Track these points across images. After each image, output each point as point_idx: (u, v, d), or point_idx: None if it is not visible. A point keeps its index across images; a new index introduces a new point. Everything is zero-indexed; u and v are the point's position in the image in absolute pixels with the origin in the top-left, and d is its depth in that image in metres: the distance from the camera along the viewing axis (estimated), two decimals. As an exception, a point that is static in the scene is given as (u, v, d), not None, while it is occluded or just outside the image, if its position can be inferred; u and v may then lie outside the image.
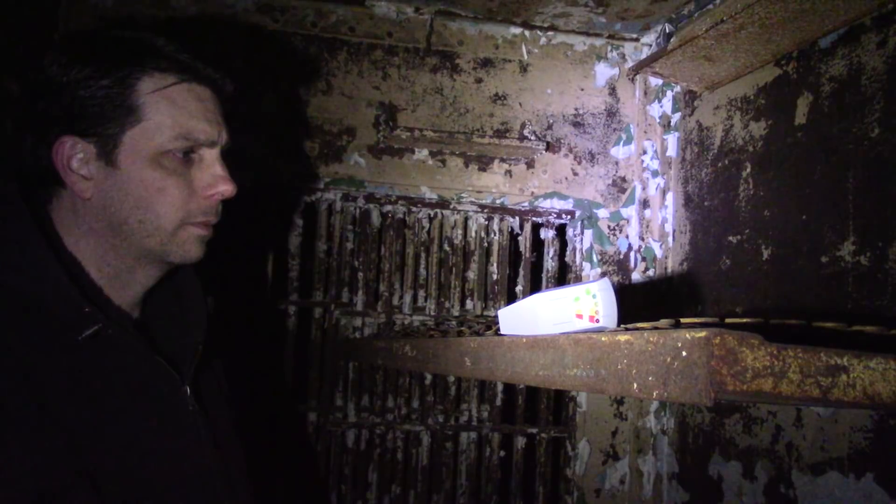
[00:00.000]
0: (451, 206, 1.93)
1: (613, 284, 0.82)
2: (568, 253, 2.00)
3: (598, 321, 0.80)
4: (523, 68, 1.97)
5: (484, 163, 1.94)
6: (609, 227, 1.99)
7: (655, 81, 1.97)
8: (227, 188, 1.00)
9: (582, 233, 1.98)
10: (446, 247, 1.94)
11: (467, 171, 1.94)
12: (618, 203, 1.99)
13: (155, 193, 0.94)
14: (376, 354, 1.47)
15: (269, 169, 1.82)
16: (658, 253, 1.95)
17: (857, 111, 1.35)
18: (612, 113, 2.01)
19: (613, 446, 1.93)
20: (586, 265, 1.97)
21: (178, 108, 0.95)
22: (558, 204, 1.97)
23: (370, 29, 1.89)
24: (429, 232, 1.95)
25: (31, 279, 0.88)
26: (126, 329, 0.96)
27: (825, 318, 0.78)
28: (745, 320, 0.71)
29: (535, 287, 2.00)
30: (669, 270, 1.92)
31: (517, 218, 1.97)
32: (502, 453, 1.93)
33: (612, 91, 2.01)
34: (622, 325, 0.81)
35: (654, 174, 1.97)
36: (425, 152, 1.92)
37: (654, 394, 0.59)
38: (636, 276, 1.97)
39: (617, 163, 2.00)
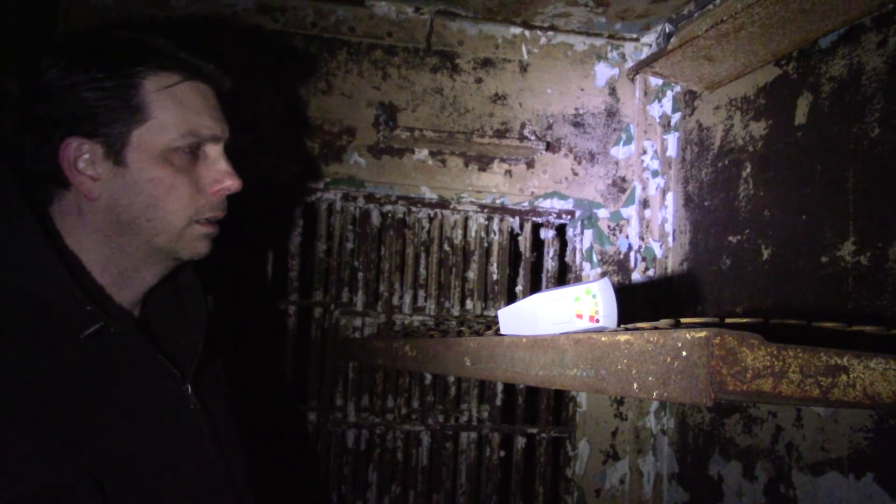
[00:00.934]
0: (451, 206, 1.93)
1: (613, 284, 0.82)
2: (568, 253, 2.00)
3: (598, 321, 0.80)
4: (523, 68, 1.97)
5: (484, 163, 1.94)
6: (609, 227, 1.99)
7: (655, 81, 1.97)
8: (233, 183, 1.01)
9: (582, 233, 1.98)
10: (446, 247, 1.94)
11: (467, 171, 1.94)
12: (618, 203, 1.99)
13: (165, 191, 0.95)
14: (376, 354, 1.47)
15: (269, 169, 1.82)
16: (658, 253, 1.95)
17: (857, 111, 1.35)
18: (612, 113, 2.01)
19: (613, 446, 1.93)
20: (586, 265, 1.97)
21: (183, 105, 0.96)
22: (558, 204, 1.97)
23: (370, 29, 1.89)
24: (429, 232, 1.95)
25: (33, 278, 0.88)
26: (128, 327, 0.97)
27: (825, 318, 0.78)
28: (745, 320, 0.71)
29: (535, 287, 2.00)
30: (669, 270, 1.92)
31: (517, 218, 1.97)
32: (502, 453, 1.93)
33: (612, 91, 2.01)
34: (622, 325, 0.81)
35: (654, 174, 1.97)
36: (425, 152, 1.92)
37: (654, 394, 0.59)
38: (636, 276, 1.97)
39: (617, 163, 2.00)
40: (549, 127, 1.97)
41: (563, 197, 1.97)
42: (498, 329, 0.95)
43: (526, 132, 1.96)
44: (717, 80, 1.71)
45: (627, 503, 1.92)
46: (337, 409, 1.86)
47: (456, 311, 1.92)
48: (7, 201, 0.92)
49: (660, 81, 1.95)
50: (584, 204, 1.98)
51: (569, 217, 1.98)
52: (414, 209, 1.93)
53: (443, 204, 1.93)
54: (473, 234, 1.95)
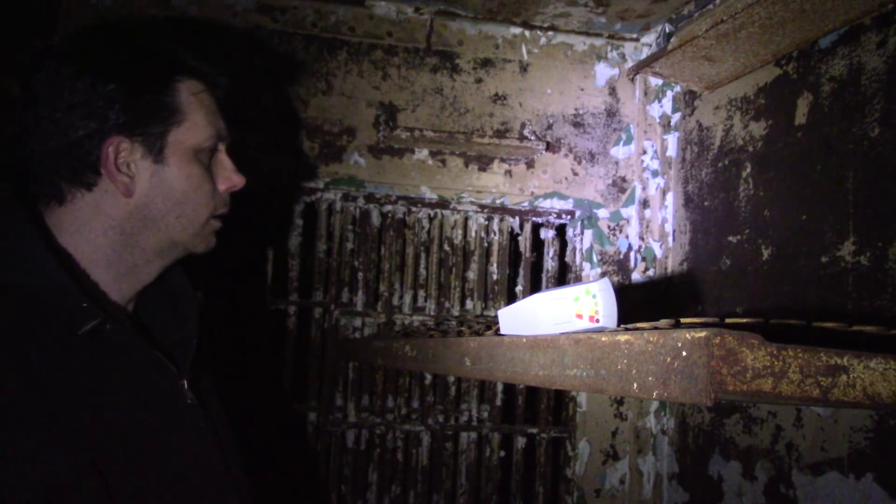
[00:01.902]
0: (451, 206, 1.93)
1: (613, 284, 0.82)
2: (568, 253, 2.00)
3: (598, 321, 0.80)
4: (523, 68, 1.97)
5: (484, 163, 1.94)
6: (609, 227, 1.99)
7: (655, 81, 1.97)
8: (240, 180, 1.09)
9: (582, 233, 1.98)
10: (446, 247, 1.94)
11: (467, 171, 1.94)
12: (618, 203, 1.99)
13: (195, 188, 1.02)
14: (376, 354, 1.47)
15: (269, 169, 1.82)
16: (658, 253, 1.95)
17: (857, 111, 1.35)
18: (612, 113, 2.01)
19: (613, 446, 1.93)
20: (586, 265, 1.97)
21: (208, 109, 1.04)
22: (558, 204, 1.97)
23: (370, 29, 1.89)
24: (429, 232, 1.95)
25: (29, 276, 0.89)
26: (124, 323, 0.98)
27: (825, 318, 0.78)
28: (745, 320, 0.71)
29: (535, 287, 2.00)
30: (669, 270, 1.92)
31: (517, 218, 1.97)
32: (502, 453, 1.93)
33: (612, 91, 2.01)
34: (622, 325, 0.81)
35: (654, 174, 1.97)
36: (425, 152, 1.92)
37: (654, 394, 0.59)
38: (636, 276, 1.97)
39: (617, 163, 2.00)
40: (549, 127, 1.97)
41: (563, 197, 1.97)
42: (498, 329, 0.95)
43: (526, 132, 1.96)
44: (717, 80, 1.71)
45: (627, 503, 1.92)
46: (337, 409, 1.86)
47: (456, 311, 1.92)
48: (2, 199, 0.93)
49: (660, 81, 1.95)
50: (584, 204, 1.98)
51: (569, 217, 1.98)
52: (414, 209, 1.93)
53: (443, 204, 1.93)
54: (473, 234, 1.95)
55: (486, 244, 1.97)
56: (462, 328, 1.31)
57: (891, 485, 1.23)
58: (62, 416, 0.86)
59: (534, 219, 1.98)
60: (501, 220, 1.97)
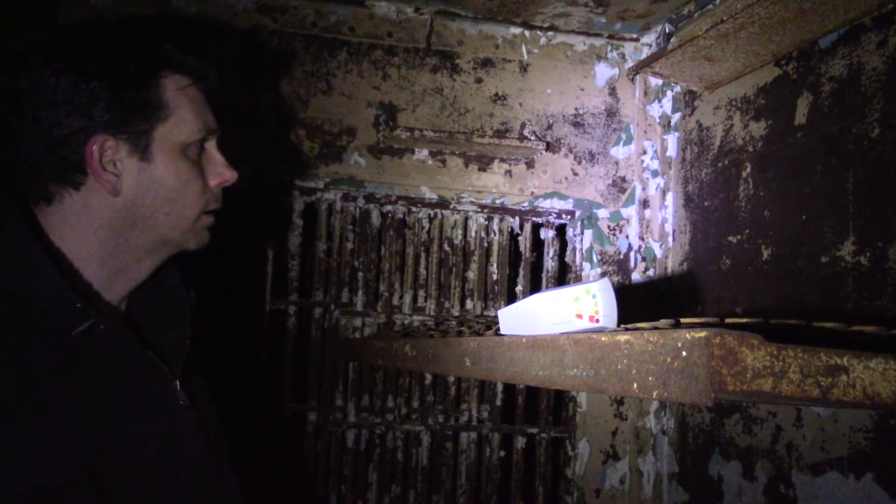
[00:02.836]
0: (451, 206, 1.93)
1: (613, 284, 0.82)
2: (568, 253, 2.00)
3: (598, 321, 0.80)
4: (523, 68, 1.97)
5: (484, 163, 1.94)
6: (609, 227, 1.99)
7: (655, 81, 1.97)
8: (232, 175, 1.07)
9: (582, 233, 1.98)
10: (446, 247, 1.94)
11: (467, 171, 1.94)
12: (618, 203, 1.99)
13: (184, 184, 1.00)
14: (376, 354, 1.47)
15: (269, 169, 1.82)
16: (658, 253, 1.95)
17: (857, 111, 1.35)
18: (612, 113, 2.01)
19: (613, 446, 1.93)
20: (586, 265, 1.97)
21: (195, 103, 1.02)
22: (558, 204, 1.97)
23: (370, 29, 1.89)
24: (429, 232, 1.95)
25: (23, 276, 0.89)
26: (117, 324, 0.97)
27: (825, 318, 0.78)
28: (745, 320, 0.71)
29: (535, 287, 2.00)
30: (669, 270, 1.92)
31: (517, 218, 1.97)
32: (502, 453, 1.93)
33: (612, 91, 2.01)
34: (622, 325, 0.81)
35: (654, 174, 1.97)
36: (425, 152, 1.92)
37: (654, 394, 0.59)
38: (636, 276, 1.97)
39: (617, 163, 2.00)
40: (549, 127, 1.97)
41: (563, 197, 1.97)
42: (498, 329, 0.95)
43: (526, 132, 1.96)
44: (717, 80, 1.71)
45: (627, 503, 1.92)
46: (337, 409, 1.86)
47: (456, 311, 1.92)
48: None
49: (660, 81, 1.95)
50: (584, 204, 1.98)
51: (569, 217, 1.98)
52: (414, 209, 1.93)
53: (443, 204, 1.93)
54: (473, 234, 1.95)
55: (486, 244, 1.97)
56: (462, 328, 1.31)
57: (891, 485, 1.23)
58: (56, 418, 0.85)
59: (534, 219, 1.98)
60: (501, 220, 1.97)
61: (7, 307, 0.88)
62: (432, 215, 1.94)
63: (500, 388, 1.93)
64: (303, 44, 1.87)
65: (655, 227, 1.96)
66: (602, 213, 1.98)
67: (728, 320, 0.70)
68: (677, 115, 1.93)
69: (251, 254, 1.86)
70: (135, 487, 0.90)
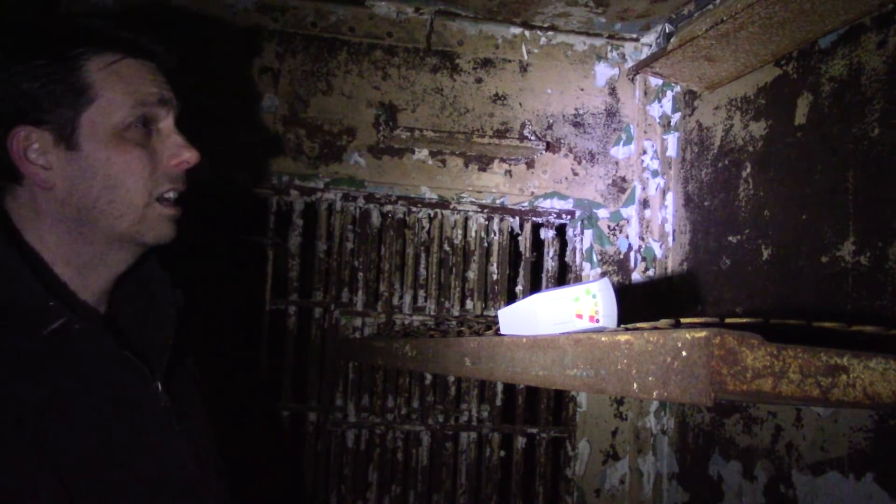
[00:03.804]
0: (451, 206, 1.93)
1: (613, 284, 0.82)
2: (568, 253, 2.00)
3: (598, 321, 0.80)
4: (523, 68, 1.97)
5: (484, 163, 1.94)
6: (609, 227, 1.99)
7: (655, 81, 1.97)
8: (190, 155, 0.99)
9: (582, 233, 1.98)
10: (446, 247, 1.94)
11: (467, 171, 1.94)
12: (618, 203, 1.99)
13: (121, 169, 0.93)
14: (376, 354, 1.47)
15: (269, 169, 1.82)
16: (658, 253, 1.95)
17: (857, 111, 1.35)
18: (612, 113, 2.01)
19: (613, 446, 1.93)
20: (586, 265, 1.97)
21: (127, 80, 0.95)
22: (558, 204, 1.97)
23: (370, 29, 1.89)
24: (429, 232, 1.95)
25: None
26: (93, 323, 0.94)
27: (825, 318, 0.78)
28: (745, 320, 0.71)
29: (535, 287, 2.00)
30: (669, 270, 1.92)
31: (517, 218, 1.97)
32: (502, 453, 1.93)
33: (612, 91, 2.01)
34: (622, 325, 0.81)
35: (654, 174, 1.97)
36: (425, 152, 1.92)
37: (654, 394, 0.59)
38: (636, 276, 1.97)
39: (617, 163, 2.00)
40: (549, 127, 1.97)
41: (563, 197, 1.97)
42: (498, 329, 0.95)
43: (526, 132, 1.95)
44: (717, 80, 1.71)
45: (627, 503, 1.92)
46: (337, 409, 1.86)
47: (456, 311, 1.92)
48: None
49: (660, 81, 1.95)
50: (584, 204, 1.98)
51: (569, 217, 1.98)
52: (414, 209, 1.93)
53: (443, 204, 1.93)
54: (473, 234, 1.95)
55: (486, 244, 1.97)
56: (462, 328, 1.31)
57: (891, 485, 1.23)
58: (22, 421, 0.82)
59: (534, 219, 1.98)
60: (501, 220, 1.97)
61: None
62: (432, 215, 1.94)
63: (500, 388, 1.93)
64: (303, 44, 1.87)
65: (655, 227, 1.96)
66: (602, 213, 1.98)
67: (728, 320, 0.70)
68: (677, 115, 1.93)
69: (251, 254, 1.86)
70: (107, 490, 0.88)
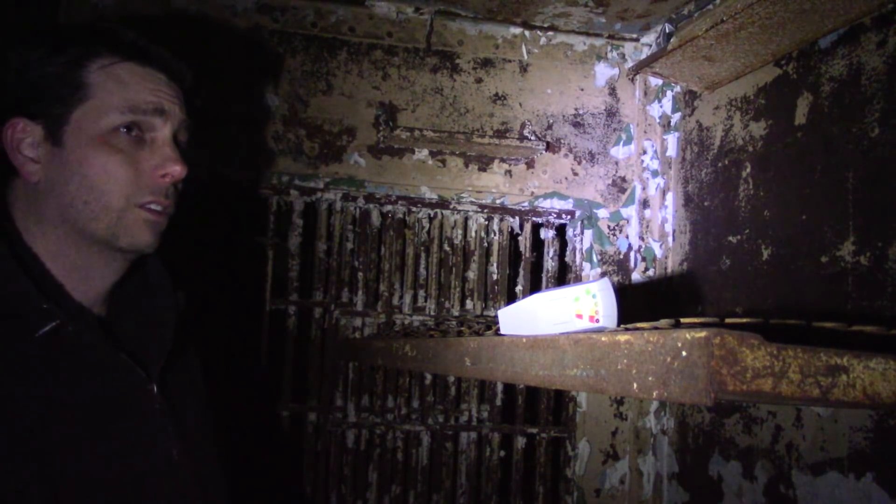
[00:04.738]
0: (451, 206, 1.93)
1: (613, 284, 0.82)
2: (568, 253, 2.00)
3: (598, 321, 0.80)
4: (523, 68, 1.97)
5: (484, 163, 1.94)
6: (609, 227, 1.99)
7: (655, 81, 1.97)
8: (176, 169, 0.96)
9: (582, 233, 1.98)
10: (446, 247, 1.94)
11: (467, 171, 1.94)
12: (618, 203, 1.99)
13: (99, 171, 0.92)
14: (376, 354, 1.47)
15: (269, 169, 1.82)
16: (658, 253, 1.95)
17: (857, 111, 1.35)
18: (612, 113, 2.01)
19: (613, 446, 1.93)
20: (586, 265, 1.97)
21: (125, 84, 0.94)
22: (558, 204, 1.97)
23: (370, 29, 1.89)
24: (429, 232, 1.95)
25: None
26: (87, 326, 0.94)
27: (825, 318, 0.78)
28: (745, 320, 0.71)
29: (535, 287, 2.00)
30: (669, 270, 1.92)
31: (517, 218, 1.97)
32: (502, 453, 1.93)
33: (612, 91, 2.01)
34: (622, 325, 0.81)
35: (654, 174, 1.97)
36: (425, 152, 1.92)
37: (654, 394, 0.59)
38: (636, 276, 1.97)
39: (617, 163, 2.00)
40: (549, 127, 1.97)
41: (563, 197, 1.97)
42: (498, 329, 0.95)
43: (526, 132, 1.95)
44: (717, 80, 1.71)
45: (627, 503, 1.92)
46: (337, 409, 1.86)
47: (456, 311, 1.92)
48: None
49: (660, 81, 1.95)
50: (584, 204, 1.98)
51: (569, 217, 1.98)
52: (414, 209, 1.93)
53: (443, 204, 1.93)
54: (473, 234, 1.95)
55: (486, 244, 1.97)
56: (462, 328, 1.31)
57: (891, 485, 1.23)
58: (10, 423, 0.82)
59: (534, 219, 1.98)
60: (501, 220, 1.97)
61: None
62: (432, 215, 1.94)
63: (500, 388, 1.93)
64: (303, 44, 1.87)
65: (655, 227, 1.96)
66: (602, 213, 1.98)
67: (728, 320, 0.70)
68: (677, 115, 1.93)
69: (251, 254, 1.86)
70: (97, 494, 0.87)
